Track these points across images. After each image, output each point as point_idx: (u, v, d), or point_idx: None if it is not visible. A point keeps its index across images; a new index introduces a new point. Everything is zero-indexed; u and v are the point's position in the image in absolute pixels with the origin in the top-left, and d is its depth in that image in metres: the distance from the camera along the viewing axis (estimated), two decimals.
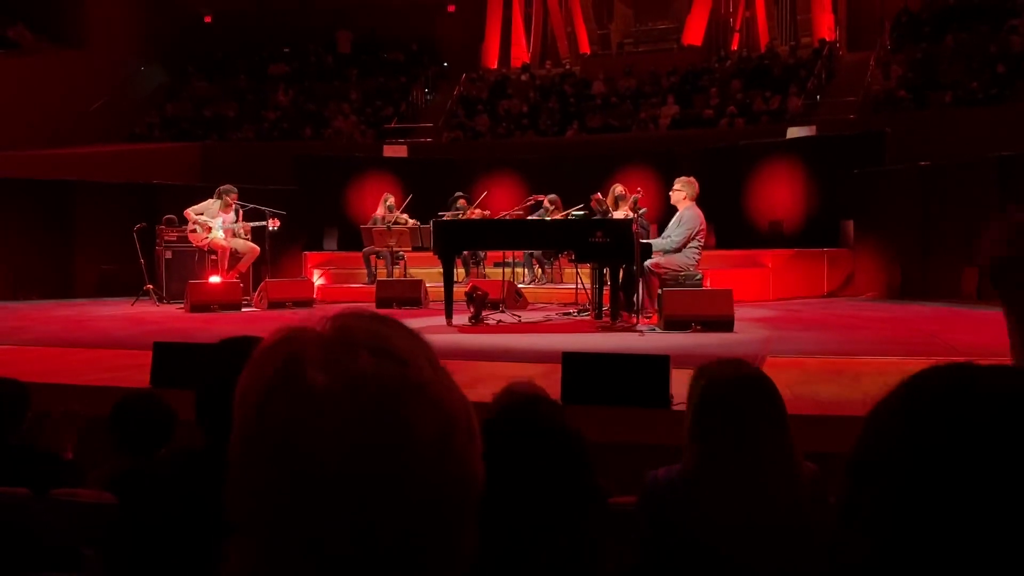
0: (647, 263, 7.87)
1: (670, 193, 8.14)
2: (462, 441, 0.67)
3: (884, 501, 0.60)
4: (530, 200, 10.30)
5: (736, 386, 1.90)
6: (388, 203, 11.57)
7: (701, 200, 8.22)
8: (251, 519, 0.66)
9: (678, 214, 8.07)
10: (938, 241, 10.60)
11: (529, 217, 10.06)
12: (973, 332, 7.35)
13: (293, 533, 0.65)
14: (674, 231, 8.03)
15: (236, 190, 10.28)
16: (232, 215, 10.29)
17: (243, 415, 0.67)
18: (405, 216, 11.45)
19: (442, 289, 8.18)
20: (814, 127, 13.49)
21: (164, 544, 1.59)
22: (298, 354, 0.67)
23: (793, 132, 13.30)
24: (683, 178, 8.16)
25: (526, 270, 11.57)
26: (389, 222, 11.29)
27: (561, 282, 11.31)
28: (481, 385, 4.05)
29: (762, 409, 1.88)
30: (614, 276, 7.84)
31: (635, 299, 7.91)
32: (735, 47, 19.29)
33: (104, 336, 7.60)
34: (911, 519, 0.58)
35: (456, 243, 8.51)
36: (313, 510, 0.64)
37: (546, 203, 10.36)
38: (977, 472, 0.58)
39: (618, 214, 8.50)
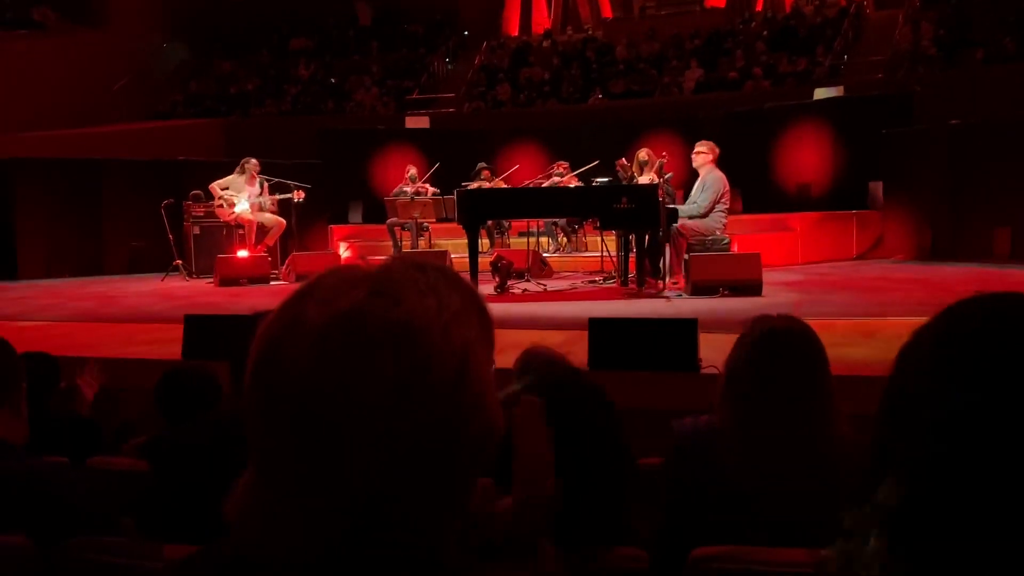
0: (675, 225, 7.82)
1: (692, 156, 8.08)
2: (439, 391, 0.65)
3: (919, 436, 0.58)
4: (552, 168, 10.27)
5: (780, 340, 1.88)
6: (410, 174, 11.61)
7: (728, 164, 8.14)
8: (251, 448, 0.67)
9: (701, 179, 8.00)
10: (969, 201, 10.42)
11: (546, 184, 10.04)
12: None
13: (271, 464, 0.65)
14: (699, 196, 7.97)
15: (256, 160, 10.34)
16: (257, 188, 10.35)
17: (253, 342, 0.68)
18: (427, 186, 11.46)
19: (467, 259, 8.18)
20: (841, 88, 13.25)
21: (194, 506, 1.62)
22: (315, 285, 0.68)
23: (820, 93, 13.08)
24: (704, 141, 8.09)
25: (550, 239, 11.54)
26: (412, 193, 11.31)
27: (586, 250, 11.27)
28: (509, 352, 4.05)
29: (809, 363, 1.87)
30: (640, 242, 7.80)
31: (661, 265, 7.88)
32: (759, 8, 18.94)
33: (136, 311, 7.71)
34: (947, 456, 0.57)
35: (480, 213, 8.49)
36: (282, 440, 0.64)
37: (561, 170, 10.32)
38: (1020, 403, 0.55)
39: (643, 180, 8.43)
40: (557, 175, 10.24)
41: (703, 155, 7.96)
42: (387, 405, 0.63)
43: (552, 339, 4.88)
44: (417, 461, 0.64)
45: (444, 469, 0.66)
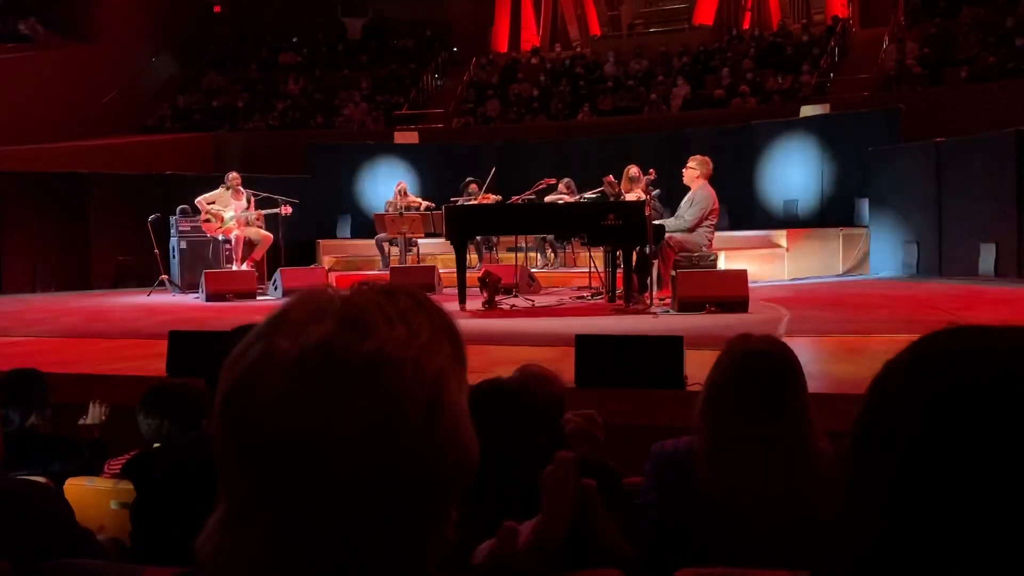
0: (662, 240, 7.84)
1: (683, 171, 8.11)
2: (410, 427, 0.64)
3: (890, 470, 0.58)
4: (541, 184, 10.27)
5: (757, 361, 1.89)
6: (400, 188, 11.62)
7: (715, 181, 8.17)
8: (221, 482, 0.66)
9: (690, 194, 8.03)
10: (955, 218, 10.49)
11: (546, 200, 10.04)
12: (991, 309, 7.29)
13: (239, 499, 0.64)
14: (687, 211, 8.00)
15: (236, 173, 10.35)
16: (244, 203, 10.33)
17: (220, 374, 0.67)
18: (419, 200, 11.45)
19: (455, 274, 8.17)
20: (828, 105, 13.36)
21: (175, 525, 1.61)
22: (284, 316, 0.67)
23: (807, 110, 13.19)
24: (697, 156, 8.13)
25: (539, 254, 11.56)
26: (402, 207, 11.30)
27: (574, 266, 11.29)
28: (496, 369, 4.03)
29: (784, 384, 1.88)
30: (627, 258, 7.81)
31: (648, 281, 7.89)
32: (747, 26, 19.11)
33: (121, 326, 7.66)
34: (919, 489, 0.56)
35: (468, 228, 8.50)
36: (251, 477, 0.63)
37: (561, 187, 10.33)
38: (990, 438, 0.55)
39: (631, 196, 8.46)
40: (559, 193, 10.23)
41: (692, 171, 8.00)
42: (359, 439, 0.62)
43: (540, 355, 4.87)
44: (391, 495, 0.63)
45: (419, 502, 0.65)
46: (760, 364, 1.90)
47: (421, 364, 0.65)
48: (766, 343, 1.97)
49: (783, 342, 2.05)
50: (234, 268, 10.14)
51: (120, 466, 2.76)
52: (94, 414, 3.20)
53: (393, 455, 0.63)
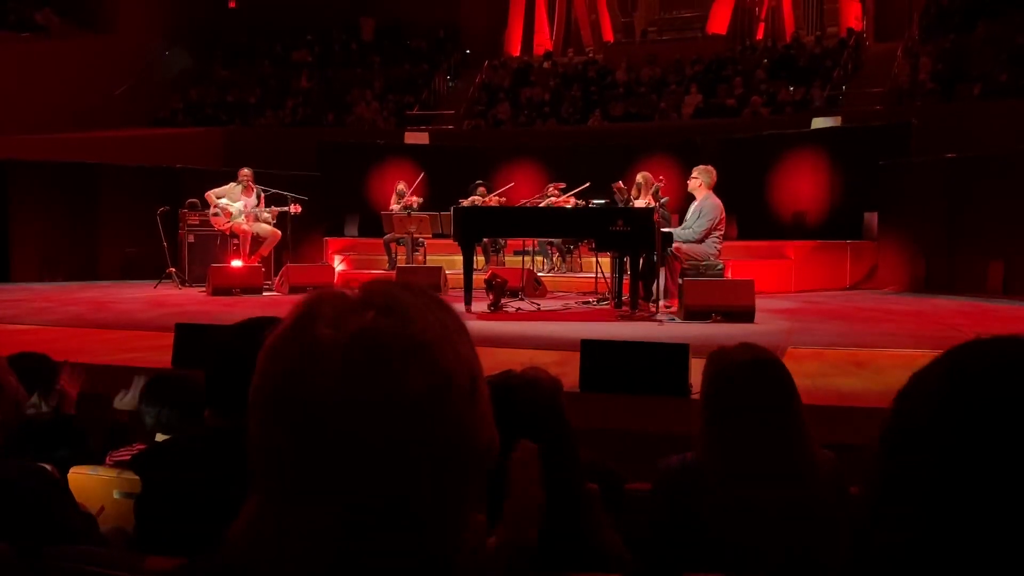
0: (670, 248, 7.84)
1: (688, 181, 8.13)
2: (460, 403, 0.67)
3: (924, 479, 0.58)
4: (550, 188, 10.28)
5: (746, 371, 1.88)
6: (399, 189, 11.68)
7: (723, 190, 8.17)
8: (258, 474, 0.67)
9: (697, 204, 8.03)
10: (964, 235, 10.46)
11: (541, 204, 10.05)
12: (999, 326, 7.26)
13: (290, 485, 0.66)
14: (695, 223, 7.99)
15: (248, 170, 10.36)
16: (254, 199, 10.35)
17: (258, 368, 0.69)
18: (414, 197, 11.48)
19: (462, 276, 8.17)
20: (839, 118, 13.33)
21: (179, 520, 1.61)
22: (314, 311, 0.69)
23: (818, 123, 13.16)
24: (701, 166, 8.15)
25: (544, 259, 11.55)
26: (401, 207, 11.35)
27: (580, 271, 11.28)
28: (499, 371, 4.02)
29: (772, 395, 1.86)
30: (634, 265, 7.81)
31: (655, 288, 7.89)
32: (760, 36, 19.11)
33: (127, 318, 7.67)
34: (954, 498, 0.56)
35: (476, 230, 8.49)
36: (307, 461, 0.65)
37: (554, 191, 10.33)
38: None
39: (639, 203, 8.46)
40: (551, 196, 10.24)
41: (696, 180, 8.03)
42: (411, 419, 0.65)
43: (544, 359, 4.87)
44: (434, 473, 0.66)
45: (457, 481, 0.68)
46: (739, 376, 1.88)
47: (457, 348, 0.69)
48: (743, 354, 1.94)
49: (763, 351, 2.00)
50: (241, 263, 10.17)
51: (121, 456, 2.77)
52: (128, 400, 3.17)
53: (444, 427, 0.66)
